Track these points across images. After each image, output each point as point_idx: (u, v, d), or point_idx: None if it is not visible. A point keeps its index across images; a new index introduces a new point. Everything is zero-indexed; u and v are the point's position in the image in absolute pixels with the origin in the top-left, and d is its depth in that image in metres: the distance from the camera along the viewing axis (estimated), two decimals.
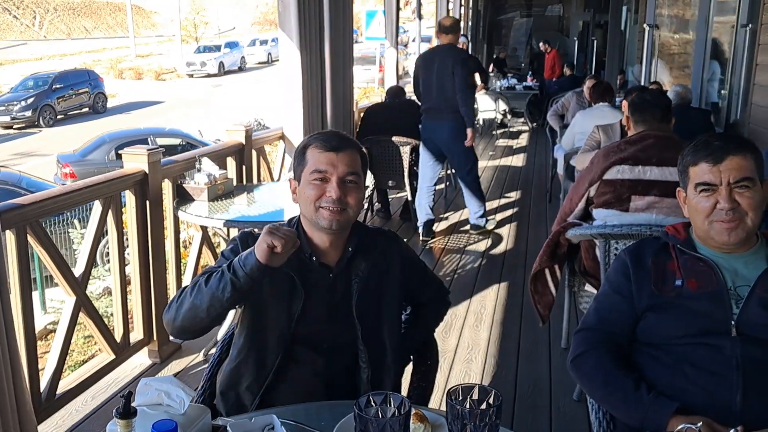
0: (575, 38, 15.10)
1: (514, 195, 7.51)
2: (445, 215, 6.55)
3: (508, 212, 6.71)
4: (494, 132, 11.84)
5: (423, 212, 5.71)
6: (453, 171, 6.89)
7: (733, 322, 1.59)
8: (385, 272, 1.81)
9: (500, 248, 5.54)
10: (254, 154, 4.57)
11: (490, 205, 6.83)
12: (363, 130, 6.10)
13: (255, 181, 4.58)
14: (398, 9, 7.99)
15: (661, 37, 9.66)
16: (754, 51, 5.00)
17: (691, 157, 1.69)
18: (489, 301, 4.38)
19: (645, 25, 9.31)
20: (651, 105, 3.03)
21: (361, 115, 6.41)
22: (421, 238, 5.70)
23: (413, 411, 1.40)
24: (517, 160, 9.73)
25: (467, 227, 6.05)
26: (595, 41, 12.96)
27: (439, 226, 6.11)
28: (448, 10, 11.53)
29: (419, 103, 5.75)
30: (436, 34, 5.77)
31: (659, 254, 1.74)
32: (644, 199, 2.82)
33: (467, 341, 3.77)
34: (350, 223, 1.76)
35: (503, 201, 7.17)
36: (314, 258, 1.75)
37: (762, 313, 1.58)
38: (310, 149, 1.74)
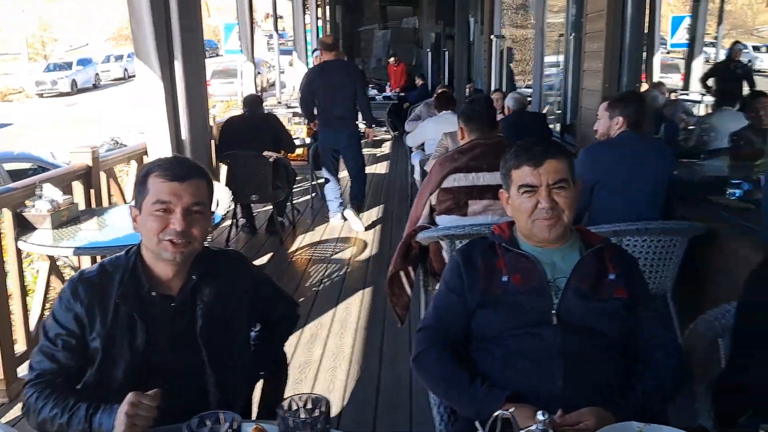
0: (428, 50, 15.72)
1: (378, 202, 7.70)
2: (312, 226, 6.61)
3: (373, 219, 6.88)
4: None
5: (336, 202, 6.56)
6: (321, 182, 7.17)
7: (554, 312, 1.73)
8: (232, 295, 1.80)
9: (365, 255, 5.68)
10: (103, 176, 4.41)
11: None
12: (222, 145, 6.03)
13: (105, 204, 4.42)
14: (252, 23, 7.97)
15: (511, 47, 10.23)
16: (580, 58, 5.46)
17: (514, 161, 1.82)
18: (354, 307, 4.48)
19: (492, 37, 9.82)
20: (481, 114, 3.29)
21: (220, 129, 6.34)
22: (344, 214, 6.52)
23: (254, 426, 1.43)
24: (381, 168, 9.98)
25: (334, 236, 6.18)
26: (447, 52, 13.55)
27: (305, 238, 6.17)
28: (304, 24, 11.63)
29: (277, 114, 5.92)
30: (322, 52, 6.45)
31: (487, 253, 1.85)
32: (480, 203, 3.04)
33: (332, 350, 3.85)
34: (195, 254, 1.74)
35: (367, 208, 7.34)
36: (153, 293, 1.71)
37: (577, 302, 1.73)
38: (152, 178, 1.69)
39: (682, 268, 3.13)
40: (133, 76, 28.14)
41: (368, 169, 9.69)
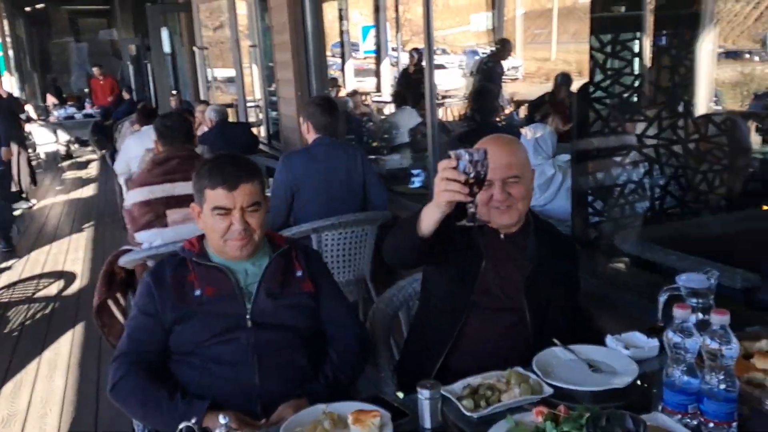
0: (128, 62, 15.00)
1: (87, 228, 7.17)
2: (9, 263, 5.93)
3: (82, 247, 6.40)
4: (60, 165, 11.10)
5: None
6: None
7: (248, 316, 1.81)
8: None
9: (74, 287, 5.27)
10: None
11: (62, 243, 6.50)
12: None
13: None
14: None
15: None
16: (273, 68, 5.68)
17: (208, 181, 1.82)
18: (64, 345, 4.14)
19: (194, 48, 9.71)
20: (174, 130, 3.31)
21: None
22: None
23: None
24: (89, 191, 9.29)
25: (36, 272, 5.65)
26: (149, 64, 13.06)
27: (1, 279, 5.53)
28: None
29: None
30: None
31: (178, 269, 1.87)
32: (180, 211, 3.03)
33: (40, 395, 3.52)
34: None
35: (76, 236, 6.80)
36: None
37: (268, 302, 1.83)
38: None
39: (377, 253, 3.45)
40: None
41: (73, 195, 9.06)
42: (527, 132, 3.70)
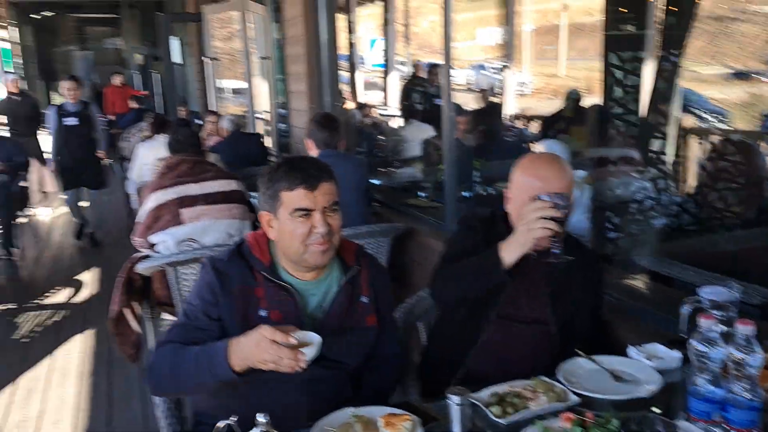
0: (135, 72, 15.05)
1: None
2: (16, 270, 5.95)
3: (89, 254, 6.44)
4: None
5: None
6: None
7: None
8: None
9: (82, 295, 5.29)
10: None
11: (69, 250, 6.60)
12: None
13: None
14: None
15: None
16: (286, 80, 5.73)
17: (286, 183, 1.66)
18: (75, 354, 4.15)
19: (205, 59, 9.75)
20: (184, 144, 3.52)
21: None
22: None
23: None
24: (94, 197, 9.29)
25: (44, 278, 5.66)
26: (159, 74, 13.07)
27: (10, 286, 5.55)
28: None
29: None
30: None
31: (245, 278, 1.69)
32: (193, 209, 3.17)
33: (54, 402, 3.54)
34: None
35: (82, 243, 6.83)
36: None
37: (329, 338, 1.58)
38: None
39: (390, 265, 3.47)
40: None
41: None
42: (541, 148, 3.74)
